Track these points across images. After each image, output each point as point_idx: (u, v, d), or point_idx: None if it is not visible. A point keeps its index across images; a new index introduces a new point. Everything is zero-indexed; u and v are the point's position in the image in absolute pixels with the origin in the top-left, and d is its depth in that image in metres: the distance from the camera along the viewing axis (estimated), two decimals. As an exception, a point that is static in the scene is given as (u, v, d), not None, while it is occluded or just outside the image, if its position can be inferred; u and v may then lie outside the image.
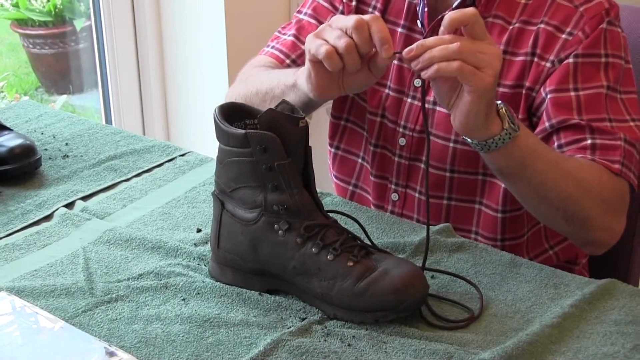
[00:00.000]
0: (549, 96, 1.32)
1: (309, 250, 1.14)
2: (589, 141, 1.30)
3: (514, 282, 1.21)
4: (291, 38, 1.52)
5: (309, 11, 1.53)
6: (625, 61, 1.36)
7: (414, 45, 1.13)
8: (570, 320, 1.12)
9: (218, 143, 1.18)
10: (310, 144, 1.17)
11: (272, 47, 1.54)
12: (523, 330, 1.10)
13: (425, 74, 1.13)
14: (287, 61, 1.51)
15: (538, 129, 1.34)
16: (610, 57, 1.34)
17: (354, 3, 1.48)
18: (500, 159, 1.22)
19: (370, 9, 1.47)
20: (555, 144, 1.33)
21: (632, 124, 1.33)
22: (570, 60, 1.32)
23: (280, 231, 1.15)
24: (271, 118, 1.13)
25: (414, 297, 1.11)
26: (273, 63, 1.51)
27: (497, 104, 1.18)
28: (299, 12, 1.55)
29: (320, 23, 1.48)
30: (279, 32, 1.57)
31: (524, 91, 1.35)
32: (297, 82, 1.29)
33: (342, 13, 1.48)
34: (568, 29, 1.33)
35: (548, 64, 1.34)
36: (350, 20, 1.17)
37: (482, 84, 1.12)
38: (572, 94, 1.32)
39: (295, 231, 1.14)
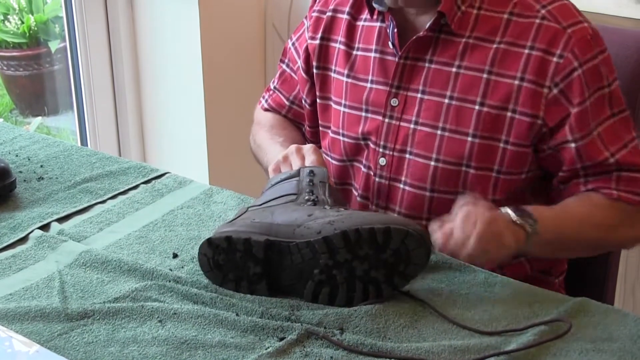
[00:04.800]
0: (578, 143, 1.36)
1: (334, 207, 1.25)
2: (614, 174, 1.38)
3: (489, 301, 1.21)
4: (277, 93, 1.67)
5: (287, 60, 1.64)
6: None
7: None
8: (547, 338, 1.12)
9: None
10: None
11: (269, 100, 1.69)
12: (500, 349, 1.10)
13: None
14: (287, 105, 1.66)
15: (567, 168, 1.39)
16: (612, 85, 1.39)
17: (317, 42, 1.54)
18: (537, 251, 1.35)
19: (336, 45, 1.52)
20: (582, 178, 1.39)
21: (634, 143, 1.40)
22: (587, 103, 1.35)
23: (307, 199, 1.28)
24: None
25: (424, 233, 1.20)
26: (276, 118, 1.67)
27: (509, 218, 1.27)
28: (282, 60, 1.66)
29: (294, 73, 1.62)
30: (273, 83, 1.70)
31: (516, 116, 1.36)
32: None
33: (307, 53, 1.56)
34: (558, 51, 1.35)
35: (545, 90, 1.35)
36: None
37: (488, 263, 1.29)
38: (595, 133, 1.37)
39: (320, 204, 1.27)
